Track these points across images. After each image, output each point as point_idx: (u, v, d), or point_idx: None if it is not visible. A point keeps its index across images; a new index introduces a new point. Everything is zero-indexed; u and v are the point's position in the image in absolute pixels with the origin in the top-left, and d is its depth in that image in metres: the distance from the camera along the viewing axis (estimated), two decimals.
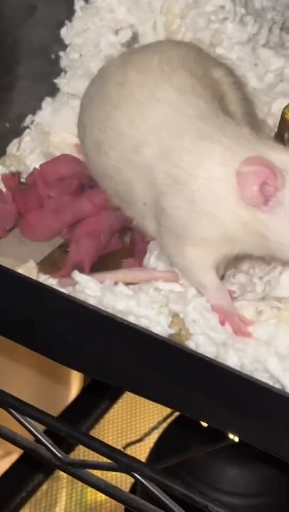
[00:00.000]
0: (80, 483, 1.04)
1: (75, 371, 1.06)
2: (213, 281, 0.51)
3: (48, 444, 0.50)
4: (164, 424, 0.91)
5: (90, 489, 1.04)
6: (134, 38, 0.66)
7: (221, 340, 0.50)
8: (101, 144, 0.53)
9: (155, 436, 0.90)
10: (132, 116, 0.51)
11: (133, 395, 1.09)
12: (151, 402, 1.11)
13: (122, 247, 0.61)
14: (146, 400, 1.12)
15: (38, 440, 0.51)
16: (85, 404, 1.06)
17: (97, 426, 1.05)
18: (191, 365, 0.46)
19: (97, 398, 1.08)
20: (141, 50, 0.56)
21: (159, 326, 0.51)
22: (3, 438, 0.53)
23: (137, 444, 0.99)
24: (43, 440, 0.50)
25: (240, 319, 0.50)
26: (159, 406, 1.08)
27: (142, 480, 0.47)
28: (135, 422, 1.09)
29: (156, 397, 0.52)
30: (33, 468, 0.99)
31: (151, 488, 0.47)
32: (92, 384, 1.08)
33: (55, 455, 0.50)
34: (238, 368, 0.47)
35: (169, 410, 1.00)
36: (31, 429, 0.50)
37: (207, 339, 0.51)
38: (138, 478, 0.47)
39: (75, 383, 1.08)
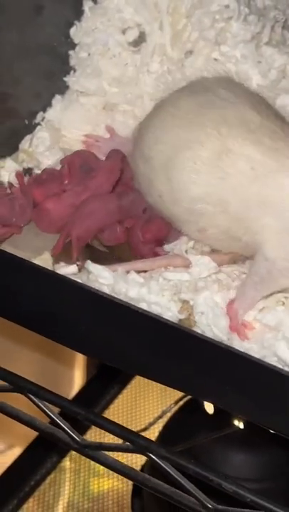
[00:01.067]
0: (84, 474, 1.07)
1: (79, 357, 1.08)
2: (257, 299, 0.53)
3: (66, 428, 0.52)
4: (169, 414, 0.93)
5: (94, 480, 1.06)
6: (141, 37, 0.67)
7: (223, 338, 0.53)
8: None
9: (160, 425, 0.92)
10: None
11: (136, 386, 1.12)
12: (154, 393, 1.13)
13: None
14: (150, 391, 1.14)
15: (55, 424, 0.53)
16: (88, 396, 1.08)
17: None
18: (201, 349, 0.49)
19: (100, 390, 1.10)
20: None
21: (170, 312, 0.54)
22: (22, 422, 0.55)
23: (142, 434, 1.01)
24: (61, 424, 0.52)
25: (243, 323, 0.53)
26: (163, 396, 1.11)
27: (158, 460, 0.49)
28: (139, 413, 1.11)
29: (168, 381, 0.54)
30: (38, 460, 1.01)
31: (167, 469, 0.49)
32: (95, 376, 1.10)
33: (73, 438, 0.52)
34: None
35: (173, 400, 1.03)
36: (49, 413, 0.52)
37: (211, 332, 0.53)
38: (154, 459, 0.49)
39: (78, 369, 1.10)
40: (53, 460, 1.00)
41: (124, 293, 0.55)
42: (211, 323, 0.53)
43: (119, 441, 0.53)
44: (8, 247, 0.60)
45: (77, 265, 0.58)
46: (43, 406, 0.52)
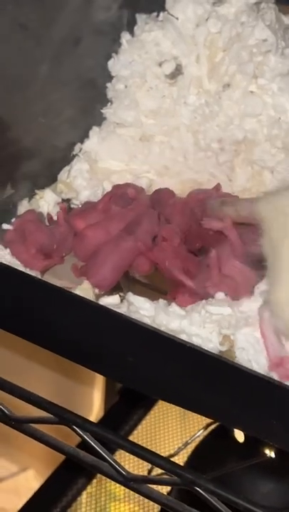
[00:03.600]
0: (103, 499, 1.07)
1: (98, 377, 1.08)
2: None
3: (111, 461, 0.52)
4: (197, 440, 0.93)
5: (113, 504, 1.06)
6: (178, 69, 0.68)
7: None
8: None
9: (188, 451, 0.92)
10: None
11: (157, 413, 1.12)
12: (175, 420, 1.13)
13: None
14: (170, 418, 1.14)
15: (101, 457, 0.53)
16: (112, 422, 1.08)
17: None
18: (241, 380, 0.49)
19: (122, 416, 1.10)
20: None
21: (211, 343, 0.54)
22: (66, 455, 0.55)
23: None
24: (107, 457, 0.52)
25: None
26: (183, 424, 1.11)
27: (206, 496, 0.49)
28: (159, 439, 1.11)
29: (204, 411, 0.54)
30: (63, 486, 1.00)
31: (216, 504, 0.49)
32: (117, 402, 1.10)
33: (118, 471, 0.52)
34: None
35: (194, 427, 1.03)
36: (96, 447, 0.52)
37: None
38: (202, 494, 0.49)
39: (97, 389, 1.10)
40: (78, 486, 1.00)
41: (164, 325, 0.55)
42: (252, 359, 0.54)
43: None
44: (49, 277, 0.61)
45: (120, 296, 0.58)
46: (88, 439, 0.52)
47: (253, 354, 0.53)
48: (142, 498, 1.03)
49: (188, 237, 0.62)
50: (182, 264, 0.60)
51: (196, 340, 0.54)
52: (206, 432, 0.91)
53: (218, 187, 0.65)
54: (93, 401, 1.11)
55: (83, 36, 0.68)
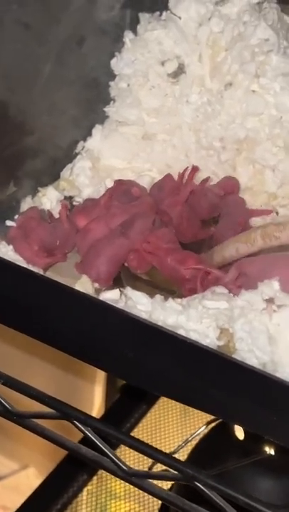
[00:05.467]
0: (103, 497, 1.07)
1: (100, 372, 1.08)
2: None
3: (112, 457, 0.52)
4: (197, 438, 0.93)
5: (112, 502, 1.07)
6: (180, 68, 0.69)
7: (267, 360, 0.53)
8: None
9: (188, 449, 0.92)
10: None
11: (156, 413, 1.12)
12: (175, 418, 1.14)
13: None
14: (171, 416, 1.14)
15: (102, 452, 0.53)
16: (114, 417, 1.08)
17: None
18: (240, 376, 0.49)
19: (122, 418, 1.10)
20: None
21: (208, 339, 0.54)
22: (67, 449, 0.56)
23: None
24: (108, 453, 0.53)
25: None
26: (183, 422, 1.11)
27: (207, 491, 0.49)
28: (159, 437, 1.11)
29: (206, 407, 0.55)
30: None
31: (215, 499, 0.49)
32: (118, 398, 1.10)
33: (120, 467, 0.53)
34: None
35: (193, 425, 1.03)
36: (97, 442, 0.53)
37: (254, 356, 0.54)
38: (202, 489, 0.49)
39: (98, 384, 1.11)
40: (79, 484, 1.00)
41: (162, 320, 0.55)
42: (253, 347, 0.54)
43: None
44: (52, 275, 0.61)
45: (120, 291, 0.59)
46: (90, 435, 0.53)
47: (251, 343, 0.54)
48: (141, 496, 1.04)
49: (185, 229, 0.62)
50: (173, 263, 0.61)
51: (193, 336, 0.55)
52: (206, 430, 0.91)
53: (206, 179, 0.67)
54: (94, 398, 1.11)
55: (87, 35, 0.69)
